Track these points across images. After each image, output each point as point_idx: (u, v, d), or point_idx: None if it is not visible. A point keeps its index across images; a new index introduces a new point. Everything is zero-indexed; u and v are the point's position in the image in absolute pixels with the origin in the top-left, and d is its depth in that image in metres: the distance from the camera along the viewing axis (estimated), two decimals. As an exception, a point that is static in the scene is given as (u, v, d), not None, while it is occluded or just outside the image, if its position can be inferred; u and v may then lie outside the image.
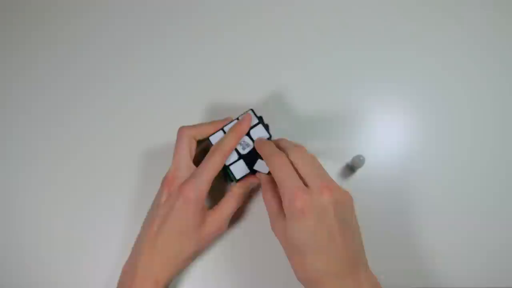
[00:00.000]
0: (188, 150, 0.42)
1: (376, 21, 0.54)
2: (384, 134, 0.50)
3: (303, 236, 0.35)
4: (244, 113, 0.44)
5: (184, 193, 0.40)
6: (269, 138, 0.44)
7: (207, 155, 0.42)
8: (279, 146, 0.42)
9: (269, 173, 0.43)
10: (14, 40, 0.56)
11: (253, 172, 0.44)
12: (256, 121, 0.44)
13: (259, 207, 0.48)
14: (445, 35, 0.53)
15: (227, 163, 0.43)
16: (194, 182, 0.40)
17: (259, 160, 0.43)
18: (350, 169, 0.48)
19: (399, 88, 0.52)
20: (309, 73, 0.52)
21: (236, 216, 0.48)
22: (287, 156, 0.39)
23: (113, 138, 0.52)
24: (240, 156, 0.43)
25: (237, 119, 0.44)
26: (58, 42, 0.56)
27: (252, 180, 0.44)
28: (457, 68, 0.52)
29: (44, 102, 0.54)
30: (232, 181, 0.44)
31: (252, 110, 0.44)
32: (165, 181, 0.42)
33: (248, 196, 0.48)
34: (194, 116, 0.51)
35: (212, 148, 0.42)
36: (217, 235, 0.43)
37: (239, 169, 0.43)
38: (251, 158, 0.43)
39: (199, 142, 0.45)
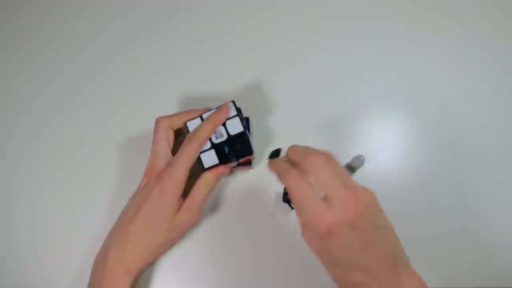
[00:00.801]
0: (165, 139, 0.43)
1: (377, 21, 0.54)
2: (384, 134, 0.50)
3: (337, 254, 0.34)
4: (224, 104, 0.44)
5: (160, 182, 0.40)
6: (244, 132, 0.43)
7: (183, 144, 0.42)
8: (291, 159, 0.38)
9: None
10: (14, 40, 0.56)
11: (223, 162, 0.43)
12: (234, 113, 0.43)
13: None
14: (445, 35, 0.53)
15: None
16: (171, 173, 0.40)
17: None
18: (350, 169, 0.48)
19: (400, 88, 0.52)
20: (309, 73, 0.52)
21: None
22: (300, 170, 0.35)
23: (114, 138, 0.52)
24: (212, 145, 0.43)
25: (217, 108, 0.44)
26: (58, 42, 0.56)
27: (222, 170, 0.44)
28: (457, 68, 0.52)
29: (44, 102, 0.53)
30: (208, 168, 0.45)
31: (233, 102, 0.44)
32: (145, 171, 0.43)
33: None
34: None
35: (188, 136, 0.42)
36: (191, 224, 0.43)
37: (209, 158, 0.43)
38: (222, 148, 0.43)
39: (177, 132, 0.45)
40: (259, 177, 0.49)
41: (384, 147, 0.50)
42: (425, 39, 0.53)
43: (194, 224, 0.43)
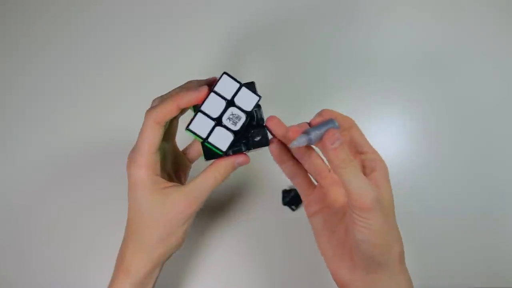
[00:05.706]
0: (153, 135, 0.36)
1: (376, 19, 0.54)
2: (385, 134, 0.50)
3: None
4: (220, 77, 0.34)
5: (128, 177, 0.36)
6: (259, 100, 0.35)
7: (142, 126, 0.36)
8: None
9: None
10: (14, 40, 0.56)
11: (243, 147, 0.36)
12: (236, 85, 0.34)
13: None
14: (444, 36, 0.53)
15: (203, 137, 0.34)
16: (131, 162, 0.35)
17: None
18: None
19: (400, 88, 0.52)
20: (308, 72, 0.52)
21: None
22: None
23: (113, 137, 0.52)
24: (234, 133, 0.34)
25: (210, 88, 0.34)
26: (58, 42, 0.56)
27: (242, 159, 0.37)
28: (456, 68, 0.52)
29: (44, 101, 0.53)
30: (212, 157, 0.36)
31: (227, 73, 0.34)
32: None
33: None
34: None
35: (146, 111, 0.36)
36: (190, 214, 0.36)
37: (221, 141, 0.34)
38: (246, 133, 0.36)
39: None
40: (259, 179, 0.49)
41: (384, 147, 0.50)
42: (424, 39, 0.53)
43: (194, 212, 0.37)
